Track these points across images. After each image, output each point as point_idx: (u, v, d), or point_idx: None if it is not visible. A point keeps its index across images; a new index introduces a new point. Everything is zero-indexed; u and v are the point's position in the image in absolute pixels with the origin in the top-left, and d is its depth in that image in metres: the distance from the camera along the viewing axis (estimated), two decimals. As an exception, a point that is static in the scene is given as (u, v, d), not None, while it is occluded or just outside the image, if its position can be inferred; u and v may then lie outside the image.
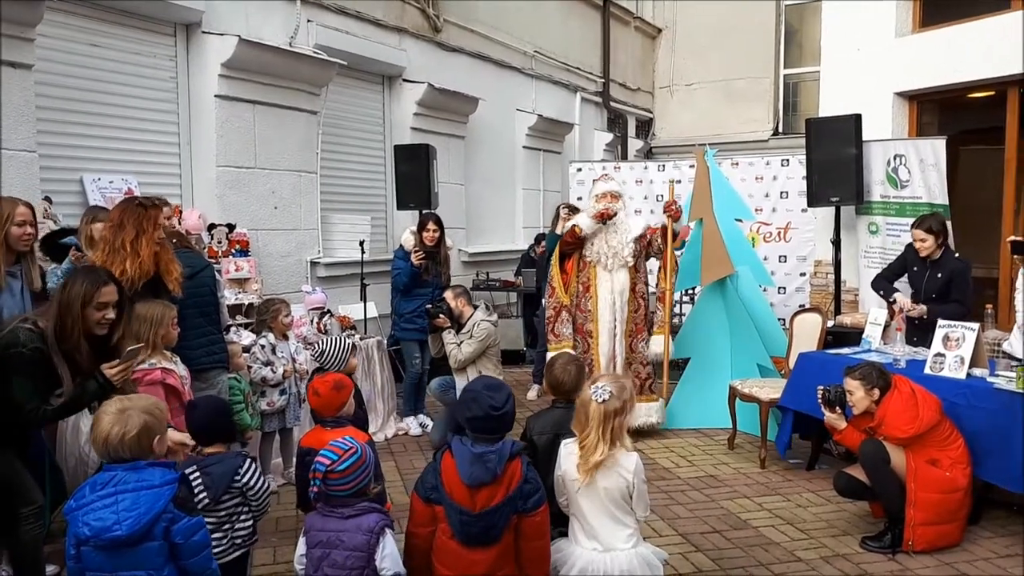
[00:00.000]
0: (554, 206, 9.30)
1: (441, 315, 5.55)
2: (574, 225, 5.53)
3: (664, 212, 5.70)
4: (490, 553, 2.57)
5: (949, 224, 6.29)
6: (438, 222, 6.01)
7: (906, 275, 5.38)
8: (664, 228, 5.72)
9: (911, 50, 7.00)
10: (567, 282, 5.64)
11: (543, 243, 7.86)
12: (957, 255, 5.24)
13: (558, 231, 7.09)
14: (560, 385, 3.22)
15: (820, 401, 4.16)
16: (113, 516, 2.15)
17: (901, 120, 7.22)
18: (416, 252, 5.81)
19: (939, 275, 5.10)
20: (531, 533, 2.61)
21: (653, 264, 6.08)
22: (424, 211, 6.33)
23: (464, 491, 2.55)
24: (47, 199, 4.88)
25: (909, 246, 5.30)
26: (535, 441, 3.11)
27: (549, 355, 5.51)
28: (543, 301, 7.45)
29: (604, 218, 5.45)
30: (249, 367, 4.60)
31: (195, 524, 2.29)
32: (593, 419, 2.64)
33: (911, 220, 6.33)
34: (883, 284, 5.45)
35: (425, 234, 5.90)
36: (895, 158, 6.61)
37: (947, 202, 6.29)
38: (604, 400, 2.64)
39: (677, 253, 5.93)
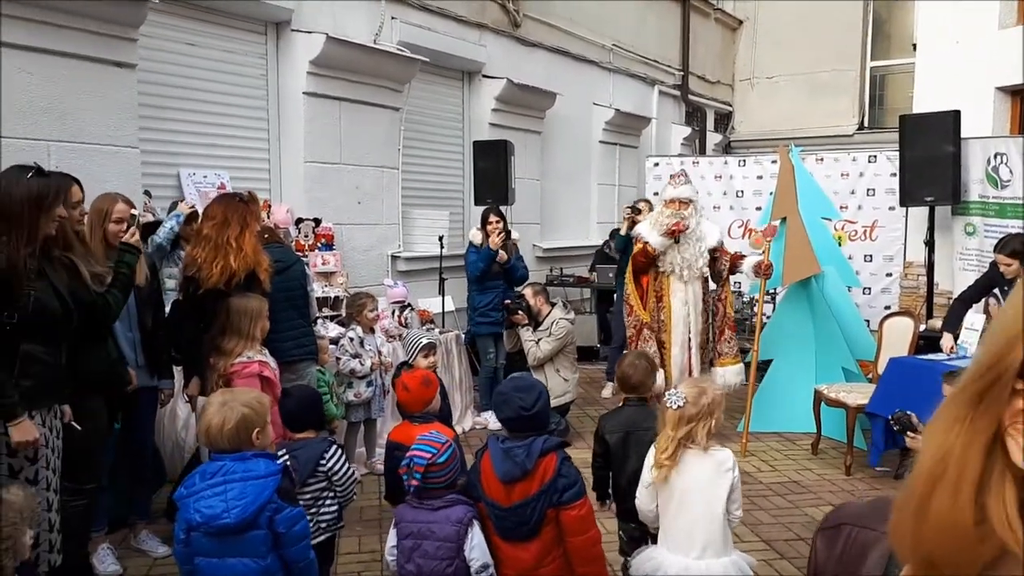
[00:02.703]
0: (629, 201, 9.24)
1: (519, 311, 5.56)
2: (645, 243, 5.31)
3: (756, 274, 5.46)
4: (531, 548, 2.59)
5: None
6: (499, 213, 6.15)
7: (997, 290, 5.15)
8: (737, 255, 5.55)
9: (1015, 43, 6.65)
10: (644, 298, 5.43)
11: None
12: None
13: (622, 232, 7.06)
14: (627, 380, 3.23)
15: (896, 430, 4.09)
16: (222, 504, 2.24)
17: (1002, 116, 6.89)
18: (499, 234, 5.94)
19: None
20: (571, 528, 2.60)
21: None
22: (484, 207, 6.41)
23: (499, 487, 2.59)
24: (147, 193, 5.10)
25: (993, 264, 5.06)
26: (607, 439, 3.11)
27: None
28: (614, 296, 7.42)
29: (675, 235, 5.19)
30: (338, 359, 4.72)
31: (297, 514, 2.38)
32: (669, 424, 2.67)
33: (1012, 222, 6.05)
34: (952, 315, 5.23)
35: (489, 227, 5.99)
36: (996, 156, 6.31)
37: None
38: (679, 407, 2.63)
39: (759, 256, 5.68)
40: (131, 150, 4.97)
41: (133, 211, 3.54)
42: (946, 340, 5.07)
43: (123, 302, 3.28)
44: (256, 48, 6.04)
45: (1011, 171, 6.20)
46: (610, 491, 3.26)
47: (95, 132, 4.75)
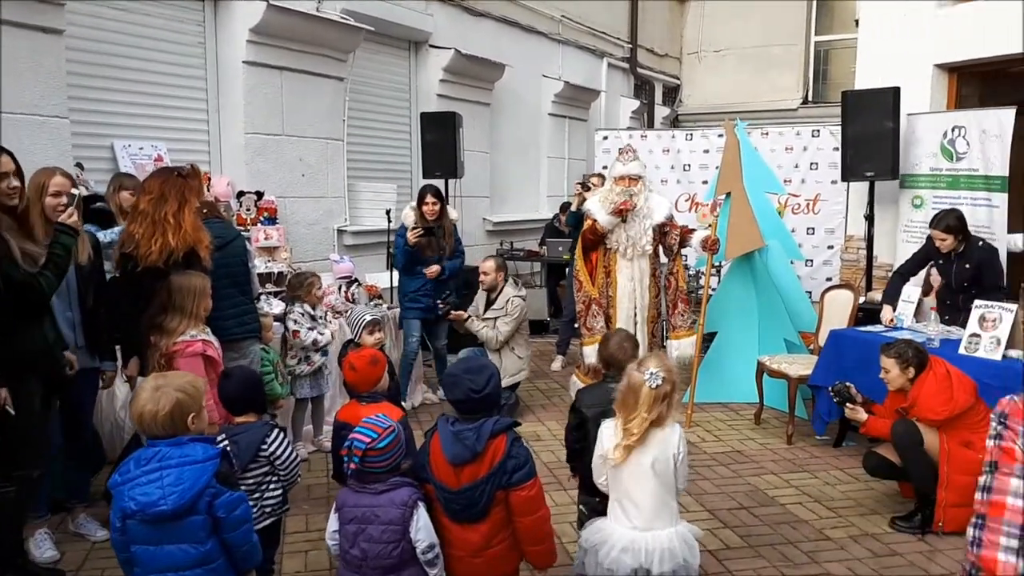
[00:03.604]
0: (579, 174, 9.25)
1: (452, 311, 5.55)
2: (594, 221, 5.32)
3: (703, 248, 5.48)
4: (480, 529, 2.60)
5: (1002, 199, 6.11)
6: (437, 194, 5.71)
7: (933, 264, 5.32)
8: (686, 229, 5.56)
9: (954, 21, 6.79)
10: (593, 273, 5.44)
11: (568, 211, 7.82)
12: (981, 242, 5.16)
13: (573, 208, 7.08)
14: (615, 362, 3.20)
15: (836, 401, 4.22)
16: (159, 491, 2.18)
17: (940, 93, 7.04)
18: (414, 229, 5.55)
19: (967, 265, 5.04)
20: (521, 508, 2.61)
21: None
22: (423, 185, 5.97)
23: (448, 469, 2.59)
24: (79, 165, 4.90)
25: (929, 238, 5.22)
26: (585, 414, 3.10)
27: (585, 350, 5.47)
28: (566, 270, 7.43)
29: (622, 214, 5.21)
30: (296, 332, 4.64)
31: (237, 499, 2.33)
32: (643, 403, 2.62)
33: (964, 193, 6.22)
34: (891, 288, 5.40)
35: (424, 207, 5.61)
36: (953, 130, 6.43)
37: (1006, 173, 6.07)
38: (658, 385, 2.62)
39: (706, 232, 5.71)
40: (60, 120, 4.75)
41: (73, 190, 3.38)
42: (885, 312, 5.22)
43: (56, 284, 3.15)
44: (193, 15, 5.82)
45: (968, 143, 6.32)
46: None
47: (20, 101, 4.52)
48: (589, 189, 6.92)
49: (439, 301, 5.62)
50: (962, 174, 6.37)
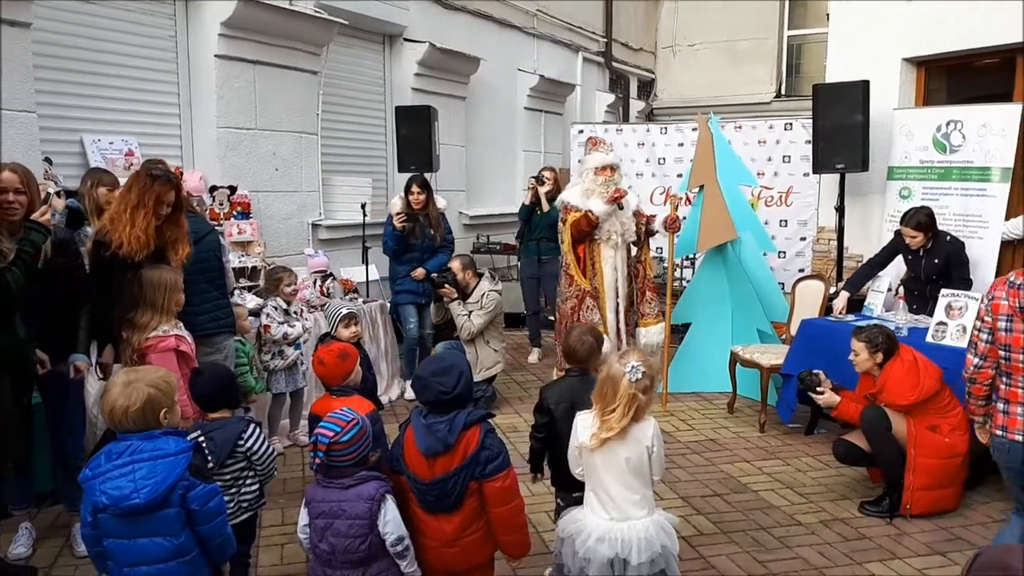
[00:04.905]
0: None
1: (446, 284, 5.53)
2: (588, 211, 5.31)
3: (665, 227, 5.53)
4: (454, 520, 2.63)
5: (1002, 189, 6.21)
6: (423, 184, 5.99)
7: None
8: (651, 217, 5.61)
9: (921, 15, 6.89)
10: (583, 266, 5.47)
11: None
12: (949, 237, 5.26)
13: (525, 202, 7.15)
14: (575, 354, 3.20)
15: (801, 388, 4.30)
16: (131, 485, 2.17)
17: (908, 86, 7.14)
18: (398, 215, 5.83)
19: (936, 260, 5.16)
20: (495, 499, 2.62)
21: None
22: (411, 175, 6.27)
23: (421, 461, 2.61)
24: (47, 160, 4.84)
25: (898, 233, 5.31)
26: (552, 410, 3.10)
27: None
28: (519, 262, 7.47)
29: (618, 201, 5.25)
30: (267, 327, 4.62)
31: (210, 491, 2.33)
32: (622, 396, 2.62)
33: (955, 184, 6.37)
34: (856, 276, 5.55)
35: (411, 197, 5.91)
36: (948, 124, 6.53)
37: (1011, 165, 6.14)
38: (638, 379, 2.63)
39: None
40: (28, 114, 4.69)
41: (50, 189, 3.35)
42: (840, 300, 5.34)
43: (23, 281, 3.14)
44: (164, 8, 5.75)
45: (963, 137, 6.40)
46: (545, 463, 3.26)
47: (-13, 95, 4.47)
48: (543, 183, 6.99)
49: (436, 274, 5.71)
50: (955, 166, 6.48)
